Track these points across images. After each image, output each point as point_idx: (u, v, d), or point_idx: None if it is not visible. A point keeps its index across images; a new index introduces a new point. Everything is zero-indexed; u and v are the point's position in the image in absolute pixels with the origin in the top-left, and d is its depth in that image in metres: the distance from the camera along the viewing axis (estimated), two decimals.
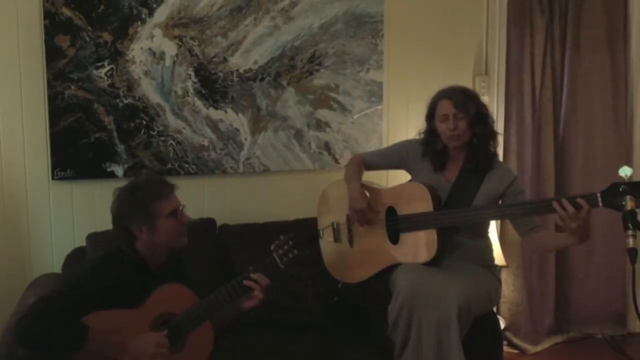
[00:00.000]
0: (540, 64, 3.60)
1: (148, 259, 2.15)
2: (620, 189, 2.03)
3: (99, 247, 2.69)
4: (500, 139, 3.50)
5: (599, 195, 2.09)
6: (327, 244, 2.81)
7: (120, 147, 3.01)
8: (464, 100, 2.53)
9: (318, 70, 3.28)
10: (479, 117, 2.55)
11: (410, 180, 2.73)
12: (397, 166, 2.80)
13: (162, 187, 2.15)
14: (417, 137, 2.73)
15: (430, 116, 2.64)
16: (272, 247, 2.26)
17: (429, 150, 2.64)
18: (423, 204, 2.49)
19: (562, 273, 3.80)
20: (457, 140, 2.54)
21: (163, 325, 2.08)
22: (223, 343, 2.37)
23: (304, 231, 2.37)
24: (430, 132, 2.64)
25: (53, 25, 2.84)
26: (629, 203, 1.99)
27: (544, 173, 3.67)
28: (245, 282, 2.18)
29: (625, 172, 2.02)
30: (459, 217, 2.46)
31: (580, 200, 2.12)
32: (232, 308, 2.21)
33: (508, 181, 2.54)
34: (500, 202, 2.55)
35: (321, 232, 2.82)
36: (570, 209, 2.13)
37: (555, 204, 2.16)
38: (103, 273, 2.05)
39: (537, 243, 2.51)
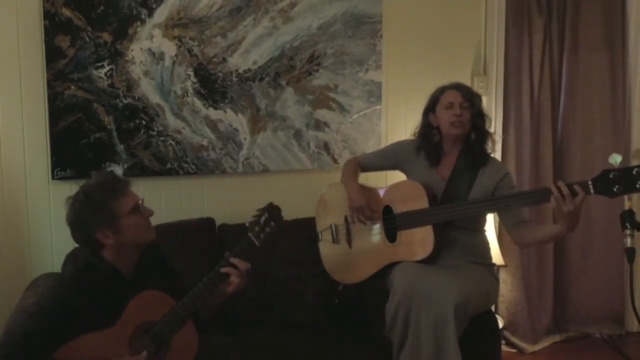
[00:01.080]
0: (538, 64, 3.62)
1: (119, 266, 2.04)
2: (611, 176, 2.07)
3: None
4: (499, 139, 3.56)
5: (590, 182, 2.13)
6: (326, 246, 2.82)
7: (120, 147, 3.01)
8: (471, 93, 2.63)
9: (317, 71, 3.29)
10: (481, 114, 2.64)
11: (405, 179, 2.75)
12: (392, 167, 2.83)
13: (117, 185, 2.03)
14: (412, 137, 2.76)
15: (430, 109, 2.68)
16: (247, 225, 2.14)
17: (425, 144, 2.68)
18: (419, 202, 2.51)
19: (560, 272, 3.81)
20: (459, 128, 2.58)
21: (145, 333, 2.02)
22: (222, 342, 2.38)
23: (275, 207, 2.19)
24: (428, 126, 2.68)
25: (53, 25, 2.85)
26: (626, 203, 2.00)
27: (543, 173, 3.68)
28: (222, 270, 2.08)
29: (615, 159, 2.05)
30: (455, 211, 2.48)
31: (573, 187, 2.15)
32: (214, 298, 2.14)
33: (500, 175, 2.58)
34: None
35: (320, 234, 2.83)
36: (566, 190, 2.15)
37: (552, 186, 2.18)
38: (75, 293, 1.97)
39: (523, 236, 2.51)
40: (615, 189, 2.06)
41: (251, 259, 2.12)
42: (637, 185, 2.03)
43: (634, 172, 2.04)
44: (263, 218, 2.13)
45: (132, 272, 2.10)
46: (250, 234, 2.12)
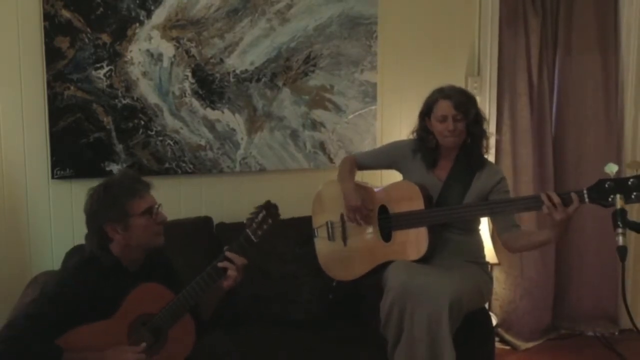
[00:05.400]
0: (533, 64, 3.64)
1: (124, 261, 2.11)
2: (606, 185, 2.07)
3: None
4: (493, 140, 3.58)
5: (585, 191, 2.14)
6: (321, 243, 2.85)
7: (119, 147, 3.04)
8: (464, 102, 2.56)
9: (313, 71, 3.32)
10: (477, 119, 2.61)
11: (402, 180, 2.77)
12: (388, 166, 2.85)
13: (136, 185, 2.10)
14: (409, 138, 2.76)
15: (425, 114, 2.66)
16: (244, 222, 2.18)
17: (422, 148, 2.68)
18: (414, 203, 2.53)
19: (554, 271, 3.83)
20: (453, 142, 2.58)
21: (142, 326, 2.06)
22: (220, 340, 2.40)
23: (272, 204, 2.23)
24: (424, 130, 2.68)
25: (53, 27, 2.88)
26: (618, 202, 2.02)
27: (538, 173, 3.71)
28: (220, 264, 2.12)
29: (610, 168, 2.05)
30: (449, 214, 2.50)
31: (570, 195, 2.17)
32: (212, 292, 2.18)
33: (496, 180, 2.59)
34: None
35: (316, 231, 2.86)
36: (557, 199, 2.18)
37: (543, 195, 2.20)
38: (77, 283, 2.01)
39: (513, 240, 2.52)
40: (610, 199, 2.06)
41: (248, 254, 2.17)
42: (633, 196, 2.03)
43: (629, 183, 2.03)
44: (260, 215, 2.17)
45: (137, 270, 2.15)
46: (247, 230, 2.17)
